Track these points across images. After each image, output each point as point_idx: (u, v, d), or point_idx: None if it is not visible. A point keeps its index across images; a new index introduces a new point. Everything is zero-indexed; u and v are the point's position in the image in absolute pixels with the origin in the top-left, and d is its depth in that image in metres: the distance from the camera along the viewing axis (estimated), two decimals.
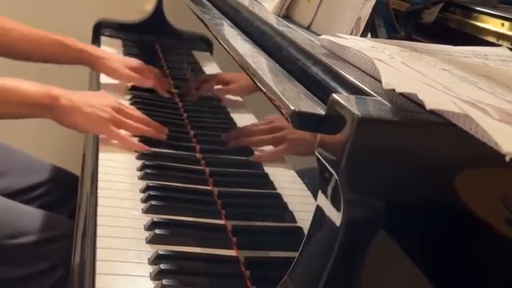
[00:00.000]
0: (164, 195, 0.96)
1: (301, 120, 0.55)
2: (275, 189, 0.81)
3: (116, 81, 1.44)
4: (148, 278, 0.77)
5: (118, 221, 0.88)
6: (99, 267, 0.77)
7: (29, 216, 1.18)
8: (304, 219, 0.70)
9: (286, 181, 0.79)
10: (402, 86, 0.52)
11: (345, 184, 0.51)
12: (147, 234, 0.85)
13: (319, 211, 0.56)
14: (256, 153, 0.88)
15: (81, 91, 1.23)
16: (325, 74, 0.64)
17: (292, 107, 0.56)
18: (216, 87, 1.17)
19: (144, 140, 1.15)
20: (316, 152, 0.55)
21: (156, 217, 0.89)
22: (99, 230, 0.85)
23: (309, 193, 0.67)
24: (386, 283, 0.55)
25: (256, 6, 1.00)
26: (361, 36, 0.77)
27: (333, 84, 0.62)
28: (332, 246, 0.52)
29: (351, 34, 0.78)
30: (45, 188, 1.37)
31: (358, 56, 0.64)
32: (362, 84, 0.58)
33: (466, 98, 0.52)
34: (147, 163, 1.05)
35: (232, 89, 1.07)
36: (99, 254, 0.80)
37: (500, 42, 0.81)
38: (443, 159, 0.52)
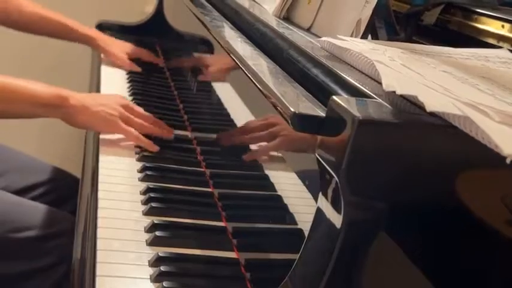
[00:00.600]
0: (165, 197, 0.96)
1: (302, 122, 0.56)
2: (276, 191, 0.81)
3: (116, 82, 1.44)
4: (149, 280, 0.76)
5: (118, 223, 0.88)
6: (100, 269, 0.77)
7: (33, 211, 1.19)
8: (304, 221, 0.70)
9: (286, 183, 0.79)
10: (403, 88, 0.52)
11: (345, 186, 0.51)
12: (147, 236, 0.85)
13: (319, 213, 0.56)
14: (252, 147, 0.88)
15: (88, 93, 1.25)
16: (326, 76, 0.64)
17: (292, 109, 0.56)
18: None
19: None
20: (316, 154, 0.55)
21: (156, 219, 0.89)
22: (100, 232, 0.85)
23: (309, 195, 0.67)
24: (386, 285, 0.55)
25: (256, 8, 1.00)
26: (361, 38, 0.77)
27: (333, 86, 0.62)
28: (332, 248, 0.52)
29: (351, 36, 0.78)
30: (45, 188, 1.37)
31: (358, 58, 0.64)
32: (362, 86, 0.58)
33: (466, 100, 0.52)
34: (148, 165, 1.05)
35: (212, 72, 1.14)
36: (100, 256, 0.80)
37: (500, 44, 0.81)
38: (444, 162, 0.52)
